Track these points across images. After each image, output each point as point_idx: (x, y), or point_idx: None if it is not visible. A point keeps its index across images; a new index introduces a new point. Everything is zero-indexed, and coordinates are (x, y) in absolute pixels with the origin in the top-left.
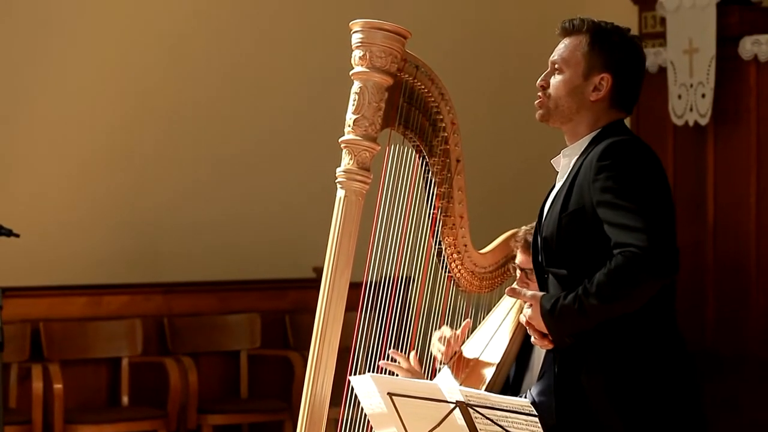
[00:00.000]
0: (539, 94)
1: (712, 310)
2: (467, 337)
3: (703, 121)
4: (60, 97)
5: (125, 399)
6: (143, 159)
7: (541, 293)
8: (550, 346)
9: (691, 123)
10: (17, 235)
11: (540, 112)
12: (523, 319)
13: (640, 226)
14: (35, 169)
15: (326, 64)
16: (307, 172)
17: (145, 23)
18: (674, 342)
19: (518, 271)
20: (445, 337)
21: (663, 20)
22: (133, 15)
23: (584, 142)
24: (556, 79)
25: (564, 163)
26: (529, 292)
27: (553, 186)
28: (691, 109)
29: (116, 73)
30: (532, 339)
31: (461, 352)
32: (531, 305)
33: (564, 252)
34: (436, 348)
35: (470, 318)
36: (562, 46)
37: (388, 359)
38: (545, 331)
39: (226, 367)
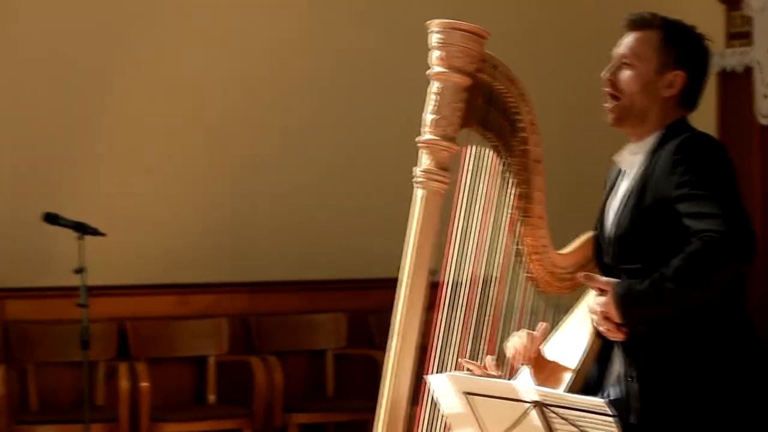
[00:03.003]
0: (608, 90)
1: None
2: (546, 338)
3: None
4: (151, 95)
5: (211, 397)
6: (232, 160)
7: (616, 280)
8: (622, 337)
9: None
10: (103, 234)
11: (613, 116)
12: (594, 308)
13: (717, 212)
14: (122, 167)
15: (404, 65)
16: (394, 172)
17: (248, 25)
18: (747, 330)
19: None
20: (521, 340)
21: (750, 20)
22: (238, 16)
23: (651, 139)
24: (627, 74)
25: (630, 161)
26: (604, 279)
27: (613, 184)
28: None
29: (212, 73)
30: (601, 329)
31: (540, 354)
32: (605, 292)
33: (640, 248)
34: (509, 350)
35: (548, 319)
36: (632, 40)
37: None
38: (617, 319)
39: (311, 366)
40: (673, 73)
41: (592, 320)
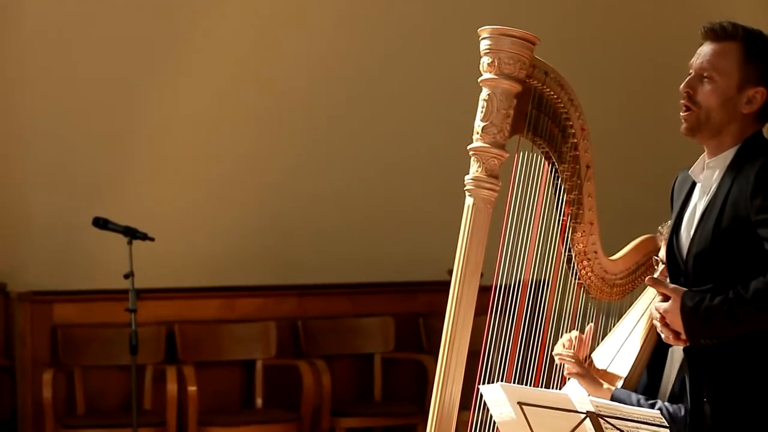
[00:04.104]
0: (685, 102)
1: None
2: (595, 343)
3: None
4: (198, 103)
5: (259, 401)
6: (278, 164)
7: (684, 288)
8: (681, 345)
9: None
10: (152, 239)
11: (686, 125)
12: (655, 314)
13: None
14: (170, 172)
15: (456, 71)
16: (444, 175)
17: (290, 29)
18: None
19: (660, 264)
20: (571, 341)
21: None
22: (281, 21)
23: (729, 154)
24: (706, 89)
25: (707, 175)
26: (671, 285)
27: (686, 200)
28: None
29: (257, 78)
30: (663, 335)
31: (591, 361)
32: (670, 299)
33: (716, 268)
34: (558, 350)
35: (599, 323)
36: (711, 52)
37: (517, 364)
38: (679, 329)
39: (359, 369)
40: (754, 90)
41: (655, 326)
